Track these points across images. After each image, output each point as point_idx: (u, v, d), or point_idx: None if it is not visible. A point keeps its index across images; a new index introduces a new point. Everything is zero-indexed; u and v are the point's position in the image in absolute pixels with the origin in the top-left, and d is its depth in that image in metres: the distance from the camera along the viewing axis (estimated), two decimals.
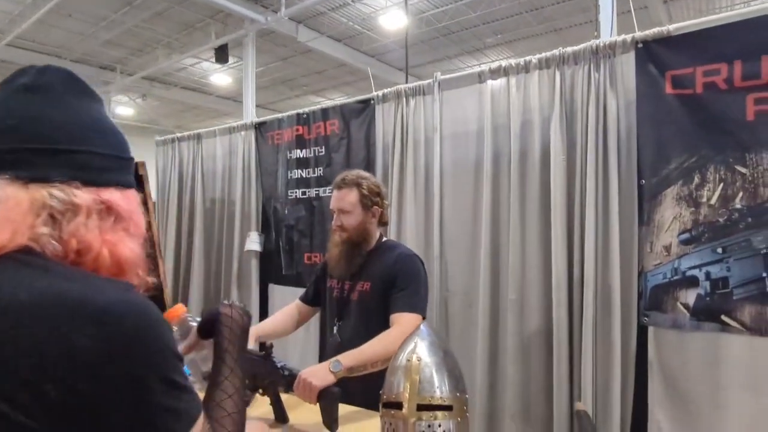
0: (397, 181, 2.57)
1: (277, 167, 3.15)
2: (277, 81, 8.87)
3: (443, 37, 7.06)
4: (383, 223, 1.71)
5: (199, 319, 0.93)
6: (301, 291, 1.90)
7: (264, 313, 3.24)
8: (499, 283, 2.27)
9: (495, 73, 2.31)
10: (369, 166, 2.69)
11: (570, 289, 2.05)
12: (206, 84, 9.25)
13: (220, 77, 8.75)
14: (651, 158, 1.91)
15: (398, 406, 1.02)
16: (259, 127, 3.27)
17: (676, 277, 1.86)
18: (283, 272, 3.13)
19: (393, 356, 1.10)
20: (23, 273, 0.51)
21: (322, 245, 2.91)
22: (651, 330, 1.91)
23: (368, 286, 1.62)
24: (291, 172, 3.08)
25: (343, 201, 1.63)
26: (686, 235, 1.85)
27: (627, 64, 1.97)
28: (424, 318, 1.51)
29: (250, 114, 5.52)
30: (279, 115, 3.18)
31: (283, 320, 1.81)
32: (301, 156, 3.03)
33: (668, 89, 1.87)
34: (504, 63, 2.28)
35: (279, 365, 1.36)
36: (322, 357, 1.75)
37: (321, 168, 2.94)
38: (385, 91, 2.67)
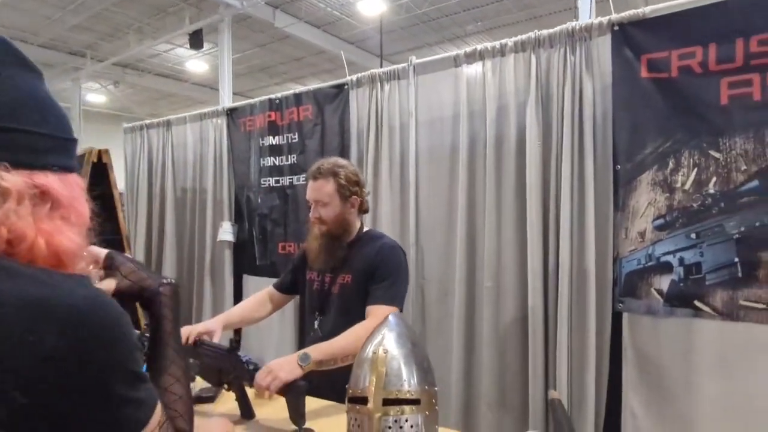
0: (372, 168, 2.52)
1: (249, 155, 3.06)
2: (254, 68, 8.68)
3: (423, 24, 6.98)
4: (364, 210, 1.65)
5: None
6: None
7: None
8: (475, 271, 2.24)
9: (470, 57, 2.26)
10: (343, 152, 2.63)
11: (545, 276, 2.04)
12: (181, 71, 9.01)
13: (196, 64, 8.52)
14: (626, 143, 1.89)
15: (364, 401, 0.98)
16: (231, 114, 3.17)
17: (650, 263, 1.85)
18: (257, 262, 3.06)
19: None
20: None
21: (296, 234, 2.84)
22: (625, 316, 1.91)
23: (349, 279, 1.57)
24: (264, 160, 2.99)
25: (319, 192, 1.55)
26: (661, 221, 1.84)
27: (603, 47, 1.94)
28: (401, 310, 1.47)
29: (227, 102, 5.38)
30: (251, 101, 3.09)
31: (253, 307, 1.75)
32: (274, 143, 2.94)
33: (644, 73, 1.84)
34: (479, 47, 2.23)
35: (244, 359, 1.32)
36: None
37: (294, 155, 2.87)
38: (359, 75, 2.61)
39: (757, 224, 1.67)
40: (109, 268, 0.77)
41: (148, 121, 3.65)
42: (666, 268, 1.83)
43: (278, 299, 1.79)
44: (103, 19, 6.80)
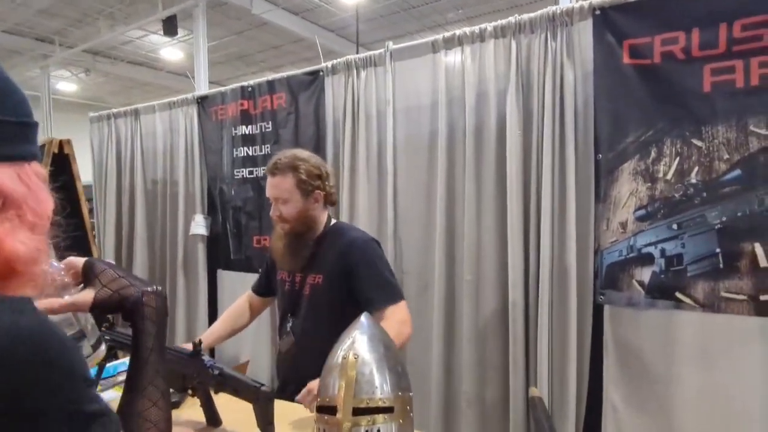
0: (349, 158, 2.44)
1: (221, 145, 2.94)
2: (232, 56, 8.45)
3: (404, 12, 6.85)
4: (331, 203, 1.57)
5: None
6: (251, 276, 1.78)
7: (213, 302, 3.07)
8: (454, 263, 2.19)
9: (449, 43, 2.18)
10: (319, 142, 2.54)
11: (526, 268, 1.99)
12: (156, 59, 8.73)
13: (171, 51, 8.26)
14: (608, 132, 1.84)
15: (332, 410, 0.91)
16: (202, 102, 3.04)
17: (631, 255, 1.82)
18: (232, 257, 2.96)
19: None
20: None
21: (272, 228, 2.74)
22: (607, 309, 1.88)
23: (320, 279, 1.50)
24: (237, 150, 2.88)
25: (278, 189, 1.48)
26: (642, 212, 1.80)
27: (584, 32, 1.88)
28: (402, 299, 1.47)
29: (203, 90, 5.20)
30: (222, 89, 2.96)
31: (232, 321, 1.70)
32: (247, 132, 2.83)
33: (626, 59, 1.79)
34: (458, 32, 2.15)
35: (208, 364, 1.24)
36: (279, 353, 1.66)
37: (268, 145, 2.76)
38: (335, 62, 2.51)
39: (739, 214, 1.64)
40: (87, 277, 0.69)
41: (115, 110, 3.49)
42: (647, 259, 1.79)
43: (257, 304, 1.73)
44: (72, 4, 6.51)
